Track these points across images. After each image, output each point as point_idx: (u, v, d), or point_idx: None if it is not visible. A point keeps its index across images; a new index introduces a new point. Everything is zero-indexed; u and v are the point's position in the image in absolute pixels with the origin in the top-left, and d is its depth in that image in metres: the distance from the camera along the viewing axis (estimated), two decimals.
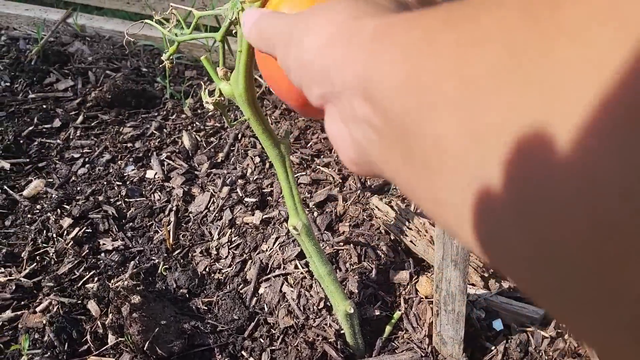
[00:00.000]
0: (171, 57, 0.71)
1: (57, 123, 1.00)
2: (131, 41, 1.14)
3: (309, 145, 0.98)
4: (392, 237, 0.82)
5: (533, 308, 0.73)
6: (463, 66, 0.15)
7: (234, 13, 0.59)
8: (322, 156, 0.96)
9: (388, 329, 0.72)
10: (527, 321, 0.73)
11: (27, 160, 0.93)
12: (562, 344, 0.70)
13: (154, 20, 0.71)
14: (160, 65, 1.02)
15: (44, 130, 0.99)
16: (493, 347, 0.70)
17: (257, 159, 0.95)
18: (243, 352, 0.69)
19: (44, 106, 1.04)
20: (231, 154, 0.97)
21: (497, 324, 0.73)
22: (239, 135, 1.00)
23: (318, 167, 0.94)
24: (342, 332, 0.69)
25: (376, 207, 0.84)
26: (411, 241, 0.79)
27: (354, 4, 0.25)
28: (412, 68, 0.17)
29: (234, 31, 0.65)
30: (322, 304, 0.74)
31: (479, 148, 0.14)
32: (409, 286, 0.76)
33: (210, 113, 1.05)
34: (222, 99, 0.69)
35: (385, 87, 0.18)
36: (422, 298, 0.75)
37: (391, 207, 0.82)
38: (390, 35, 0.19)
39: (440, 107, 0.15)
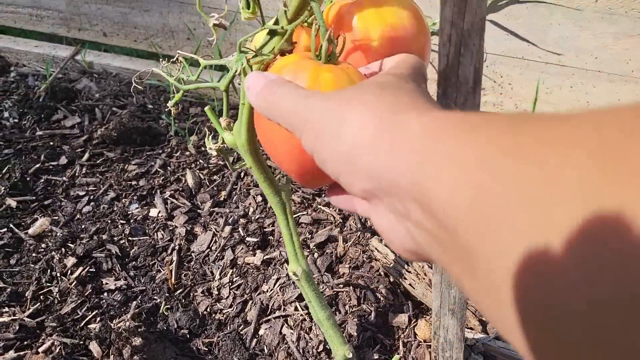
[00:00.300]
0: (176, 104, 0.73)
1: (63, 160, 1.02)
2: (137, 77, 1.16)
3: None
4: (392, 280, 0.83)
5: None
6: (535, 202, 0.15)
7: (238, 67, 0.61)
8: (323, 195, 0.97)
9: None
10: None
11: (34, 197, 0.95)
12: None
13: (160, 67, 0.74)
14: (166, 110, 1.04)
15: (51, 167, 1.01)
16: None
17: (259, 198, 0.97)
18: None
19: (51, 143, 1.06)
20: (233, 192, 0.99)
21: None
22: (242, 174, 1.01)
23: (319, 206, 0.95)
24: None
25: (376, 248, 0.85)
26: (410, 284, 0.79)
27: (383, 92, 0.25)
28: (475, 190, 0.17)
29: (237, 82, 0.67)
30: (321, 347, 0.75)
31: (550, 284, 0.14)
32: (407, 329, 0.77)
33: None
34: (225, 145, 0.71)
35: (446, 204, 0.18)
36: (421, 342, 0.76)
37: (390, 249, 0.84)
38: (442, 141, 0.20)
39: (510, 239, 0.16)
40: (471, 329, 0.78)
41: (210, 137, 0.69)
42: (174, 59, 0.71)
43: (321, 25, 0.50)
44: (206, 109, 0.69)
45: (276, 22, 0.59)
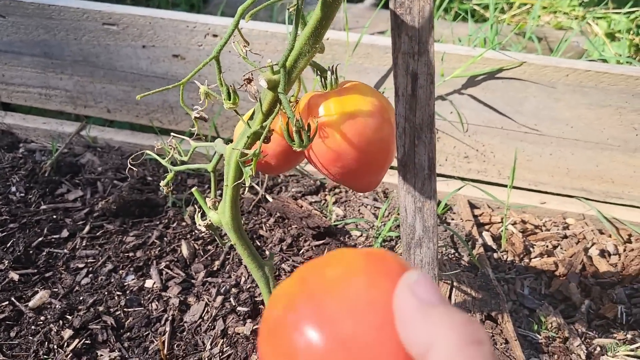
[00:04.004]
0: (169, 183, 0.78)
1: (65, 233, 1.07)
2: (137, 160, 1.22)
3: (300, 252, 1.04)
4: None
5: None
6: None
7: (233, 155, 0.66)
8: None
9: None
10: None
11: (35, 270, 0.99)
12: None
13: (155, 149, 0.79)
14: (161, 189, 1.09)
15: (53, 240, 1.06)
16: None
17: None
18: None
19: (54, 216, 1.11)
20: (226, 262, 1.02)
21: None
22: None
23: None
24: None
25: None
26: None
27: None
28: None
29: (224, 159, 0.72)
30: None
31: None
32: None
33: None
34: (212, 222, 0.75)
35: None
36: None
37: None
38: None
39: None
40: None
41: (200, 214, 0.74)
42: (169, 141, 0.76)
43: (290, 115, 0.56)
44: (193, 190, 0.74)
45: (254, 113, 0.65)
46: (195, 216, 0.74)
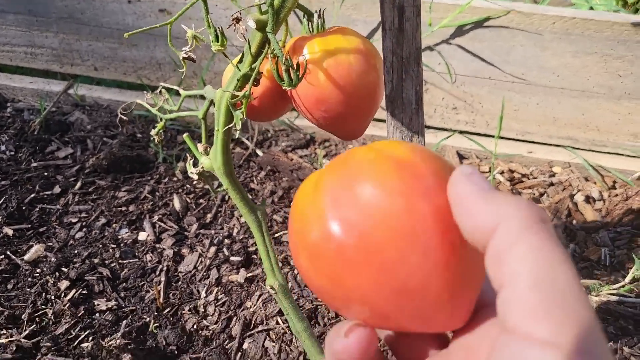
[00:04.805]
0: (160, 132, 0.78)
1: (57, 190, 1.07)
2: (123, 109, 1.22)
3: (292, 203, 1.05)
4: None
5: None
6: None
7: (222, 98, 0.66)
8: None
9: None
10: None
11: (29, 225, 1.00)
12: None
13: (145, 99, 0.79)
14: (152, 138, 1.10)
15: (45, 196, 1.06)
16: None
17: (243, 219, 1.02)
18: None
19: (45, 174, 1.11)
20: (219, 214, 1.04)
21: None
22: (226, 197, 1.06)
23: None
24: None
25: None
26: None
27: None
28: None
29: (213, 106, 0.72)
30: (301, 358, 0.79)
31: None
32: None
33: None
34: (204, 169, 0.76)
35: None
36: None
37: None
38: None
39: None
40: None
41: (192, 162, 0.75)
42: (158, 91, 0.76)
43: (279, 54, 0.56)
44: (184, 135, 0.74)
45: (243, 56, 0.65)
46: (187, 164, 0.75)
